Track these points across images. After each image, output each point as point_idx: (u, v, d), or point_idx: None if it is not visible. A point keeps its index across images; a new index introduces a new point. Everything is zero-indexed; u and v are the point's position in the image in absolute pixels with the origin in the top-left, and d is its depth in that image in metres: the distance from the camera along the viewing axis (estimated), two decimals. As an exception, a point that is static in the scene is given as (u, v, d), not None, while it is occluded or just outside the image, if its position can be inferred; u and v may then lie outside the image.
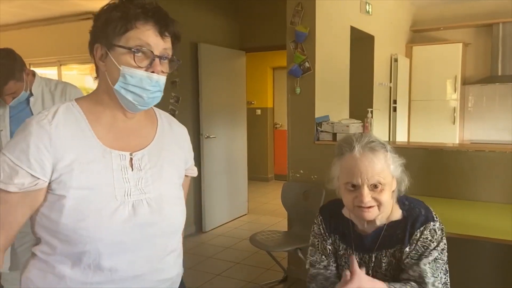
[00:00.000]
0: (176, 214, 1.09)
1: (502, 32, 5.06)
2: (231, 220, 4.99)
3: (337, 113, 3.53)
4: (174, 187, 1.11)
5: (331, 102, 3.55)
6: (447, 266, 1.29)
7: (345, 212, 1.37)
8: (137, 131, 1.07)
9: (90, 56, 1.04)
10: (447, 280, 1.30)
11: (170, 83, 4.23)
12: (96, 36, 0.98)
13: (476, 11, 5.26)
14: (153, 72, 0.97)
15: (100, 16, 0.98)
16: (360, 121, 3.29)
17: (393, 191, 1.29)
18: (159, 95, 1.02)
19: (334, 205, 1.41)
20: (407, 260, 1.27)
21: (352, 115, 3.76)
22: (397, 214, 1.31)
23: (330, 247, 1.39)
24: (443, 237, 1.29)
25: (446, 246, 1.29)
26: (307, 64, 3.24)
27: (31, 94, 2.03)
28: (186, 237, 4.32)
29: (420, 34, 5.61)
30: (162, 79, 1.00)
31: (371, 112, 3.37)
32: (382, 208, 1.25)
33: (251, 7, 5.07)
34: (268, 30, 4.89)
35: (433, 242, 1.26)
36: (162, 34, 0.98)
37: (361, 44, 4.24)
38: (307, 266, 1.46)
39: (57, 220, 0.94)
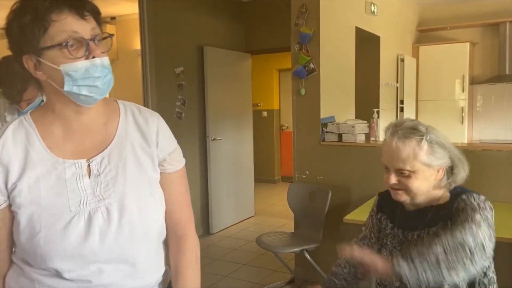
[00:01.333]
0: (145, 216, 0.99)
1: (509, 31, 5.02)
2: (238, 222, 5.00)
3: (342, 114, 3.53)
4: (142, 188, 1.00)
5: (337, 102, 3.55)
6: (491, 244, 1.16)
7: None
8: (94, 130, 1.00)
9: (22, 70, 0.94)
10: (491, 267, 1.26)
11: (177, 86, 4.26)
12: (19, 49, 0.90)
13: (482, 10, 5.22)
14: (94, 57, 0.90)
15: (11, 26, 0.89)
16: (366, 122, 3.28)
17: (441, 180, 1.28)
18: (111, 77, 0.94)
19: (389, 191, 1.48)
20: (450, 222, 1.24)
21: (358, 116, 3.75)
22: (446, 198, 1.32)
23: (375, 225, 1.46)
24: (490, 208, 1.22)
25: (493, 222, 1.20)
26: (311, 65, 3.24)
27: (43, 100, 2.04)
28: (194, 239, 4.33)
29: (427, 34, 5.58)
30: (105, 60, 0.92)
31: (377, 112, 3.36)
32: (412, 194, 1.28)
33: (256, 9, 5.09)
34: (273, 32, 4.90)
35: (475, 203, 1.22)
36: (82, 16, 0.89)
37: (367, 44, 4.23)
38: (355, 240, 1.55)
39: (16, 237, 0.95)
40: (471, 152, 2.80)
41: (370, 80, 4.34)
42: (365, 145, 3.12)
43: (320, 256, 3.11)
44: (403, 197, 1.29)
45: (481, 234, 1.12)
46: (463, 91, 5.22)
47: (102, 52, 0.92)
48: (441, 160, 1.27)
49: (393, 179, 1.28)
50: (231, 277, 3.48)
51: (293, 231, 3.36)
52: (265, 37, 5.10)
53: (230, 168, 4.89)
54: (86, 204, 0.94)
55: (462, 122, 5.23)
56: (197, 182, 4.47)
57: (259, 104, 7.16)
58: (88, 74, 0.90)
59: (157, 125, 1.06)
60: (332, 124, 3.25)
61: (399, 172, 1.26)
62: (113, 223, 0.95)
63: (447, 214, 1.26)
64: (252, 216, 5.25)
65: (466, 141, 5.15)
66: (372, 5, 4.08)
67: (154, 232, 1.03)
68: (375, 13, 4.16)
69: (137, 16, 3.97)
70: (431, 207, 1.31)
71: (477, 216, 1.17)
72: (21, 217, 0.92)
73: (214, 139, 4.61)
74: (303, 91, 3.29)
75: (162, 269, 1.09)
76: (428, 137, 1.26)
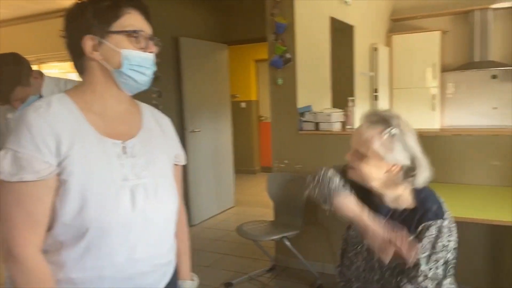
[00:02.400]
0: (171, 200, 1.13)
1: (479, 19, 5.17)
2: (219, 213, 5.02)
3: (319, 103, 3.58)
4: (166, 174, 1.14)
5: (313, 92, 3.60)
6: (450, 266, 1.31)
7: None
8: (126, 119, 1.11)
9: (69, 52, 1.06)
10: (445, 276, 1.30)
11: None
12: (86, 28, 1.01)
13: (453, -1, 5.36)
14: (151, 52, 1.06)
15: (85, 8, 1.02)
16: (342, 110, 3.34)
17: (387, 172, 1.31)
18: (153, 75, 1.09)
19: None
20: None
21: (335, 105, 3.81)
22: (408, 202, 1.35)
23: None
24: (451, 235, 1.30)
25: (453, 245, 1.30)
26: (288, 55, 3.27)
27: (40, 97, 1.99)
28: (174, 231, 4.34)
29: (399, 23, 5.68)
30: (154, 59, 1.09)
31: (353, 101, 3.43)
32: (361, 177, 1.34)
33: (232, 0, 5.07)
34: (250, 23, 4.89)
35: (439, 238, 1.28)
36: (147, 19, 1.08)
37: (342, 34, 4.28)
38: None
39: (60, 205, 0.95)
40: (442, 137, 2.91)
41: (345, 69, 4.41)
42: (341, 133, 3.18)
43: (300, 243, 3.18)
44: (355, 176, 1.36)
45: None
46: (434, 78, 5.36)
47: (154, 53, 1.08)
48: (395, 157, 1.29)
49: (349, 156, 1.36)
50: (213, 267, 3.52)
51: (273, 219, 3.41)
52: (241, 28, 5.09)
53: (210, 160, 4.90)
54: (127, 179, 1.02)
55: (434, 109, 5.38)
56: (181, 169, 4.45)
57: (237, 95, 7.16)
58: (143, 63, 1.04)
59: (171, 124, 1.25)
60: (309, 113, 3.30)
61: (356, 152, 1.34)
62: (151, 200, 1.05)
63: (408, 225, 1.29)
64: (233, 206, 5.28)
65: (438, 127, 5.31)
66: (346, -6, 4.13)
67: (175, 213, 1.17)
68: (349, 3, 4.21)
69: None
70: (394, 210, 1.35)
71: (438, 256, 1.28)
72: (72, 185, 0.95)
73: (193, 131, 4.60)
74: (280, 81, 3.32)
75: (175, 248, 1.21)
76: (392, 131, 1.28)
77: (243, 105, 7.31)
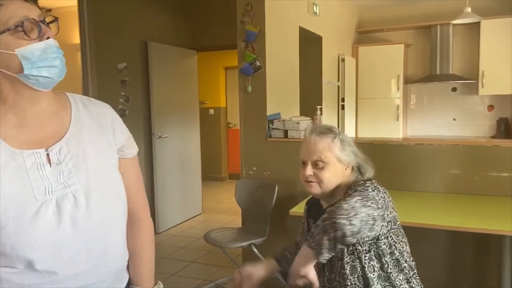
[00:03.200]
0: (110, 200, 1.02)
1: (439, 34, 5.41)
2: (186, 220, 4.96)
3: (288, 111, 3.62)
4: (103, 173, 1.02)
5: (282, 100, 3.64)
6: (370, 219, 1.20)
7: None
8: (50, 119, 0.99)
9: None
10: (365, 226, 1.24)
11: (120, 82, 4.14)
12: None
13: (415, 13, 5.59)
14: (48, 38, 0.92)
15: None
16: (310, 118, 3.39)
17: (347, 175, 1.45)
18: (64, 59, 0.96)
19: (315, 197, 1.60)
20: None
21: (303, 113, 3.86)
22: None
23: (305, 230, 1.60)
24: (369, 189, 1.32)
25: (376, 198, 1.27)
26: (257, 63, 3.30)
27: None
28: (139, 239, 4.24)
29: (365, 35, 5.86)
30: (56, 42, 0.94)
31: (320, 109, 3.49)
32: (323, 186, 1.42)
33: (202, 6, 5.06)
34: (219, 30, 4.90)
35: (361, 190, 1.31)
36: (28, 1, 0.92)
37: (310, 44, 4.37)
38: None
39: None
40: (405, 147, 3.01)
41: (313, 78, 4.49)
42: (309, 141, 3.22)
43: (268, 250, 3.17)
44: (315, 189, 1.43)
45: (352, 202, 1.20)
46: (398, 90, 5.55)
47: (54, 35, 0.94)
48: (349, 158, 1.44)
49: (309, 170, 1.42)
50: (178, 275, 3.46)
51: (240, 226, 3.40)
52: (211, 34, 5.09)
53: (177, 166, 4.84)
54: (51, 192, 0.93)
55: (398, 119, 5.56)
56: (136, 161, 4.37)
57: (205, 102, 7.13)
58: (46, 55, 0.91)
59: (110, 114, 1.10)
60: (278, 121, 3.33)
61: (315, 164, 1.41)
62: (81, 208, 0.95)
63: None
64: (200, 214, 5.23)
65: (401, 137, 5.49)
66: (315, 5, 4.22)
67: (121, 215, 1.06)
68: (317, 14, 4.31)
69: (75, 9, 3.80)
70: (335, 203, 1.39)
71: (354, 193, 1.29)
72: None
73: (160, 136, 4.54)
74: (249, 88, 3.34)
75: (127, 253, 1.11)
76: (340, 137, 1.45)
77: (211, 111, 7.28)
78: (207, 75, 6.96)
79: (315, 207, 1.56)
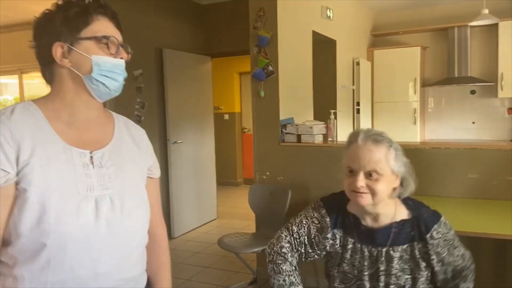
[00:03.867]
0: (139, 211, 1.10)
1: (457, 36, 5.31)
2: (201, 225, 4.97)
3: (301, 115, 3.60)
4: (136, 185, 1.11)
5: (295, 104, 3.62)
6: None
7: (350, 207, 1.43)
8: (96, 127, 1.08)
9: (38, 61, 1.05)
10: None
11: (135, 89, 4.20)
12: (55, 35, 1.00)
13: (432, 16, 5.50)
14: (121, 58, 1.06)
15: (54, 15, 1.01)
16: (324, 123, 3.37)
17: (394, 188, 1.35)
18: (124, 80, 1.09)
19: (338, 199, 1.46)
20: (433, 257, 1.36)
21: (316, 117, 3.84)
22: (404, 213, 1.38)
23: (328, 242, 1.42)
24: (451, 226, 1.42)
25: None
26: (270, 68, 3.30)
27: None
28: (155, 244, 4.26)
29: (380, 38, 5.80)
30: (124, 65, 1.09)
31: (334, 113, 3.46)
32: (376, 198, 1.31)
33: (215, 12, 5.11)
34: (233, 35, 4.92)
35: (450, 232, 1.39)
36: (117, 26, 1.09)
37: (324, 48, 4.35)
38: (281, 232, 1.50)
39: (18, 215, 0.93)
40: (422, 150, 2.96)
41: (327, 82, 4.46)
42: (323, 145, 3.20)
43: (281, 255, 3.16)
44: (367, 201, 1.31)
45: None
46: (415, 93, 5.46)
47: (125, 59, 1.08)
48: (401, 168, 1.34)
49: (362, 181, 1.29)
50: (194, 280, 3.46)
51: (254, 231, 3.39)
52: (225, 40, 5.12)
53: (192, 172, 4.87)
54: (92, 190, 0.99)
55: (415, 123, 5.47)
56: (158, 182, 4.41)
57: (220, 107, 7.16)
58: (114, 69, 1.04)
59: (145, 137, 1.22)
60: (291, 126, 3.32)
61: (368, 175, 1.29)
62: (116, 211, 1.02)
63: (413, 233, 1.35)
64: (215, 219, 5.24)
65: (418, 141, 5.39)
66: (328, 9, 4.20)
67: (146, 225, 1.13)
68: (331, 18, 4.29)
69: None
70: (392, 223, 1.36)
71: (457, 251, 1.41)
72: (30, 194, 0.92)
73: (175, 142, 4.58)
74: (262, 93, 3.34)
75: (145, 263, 1.16)
76: (394, 145, 1.34)
77: (226, 117, 7.31)
78: (221, 81, 7.00)
79: (338, 212, 1.43)
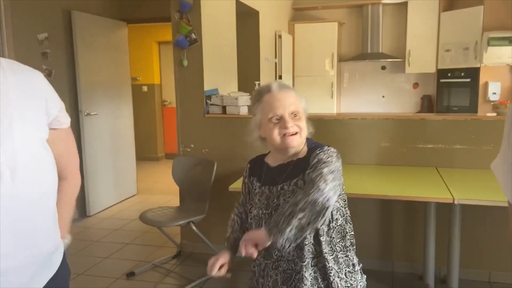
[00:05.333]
0: (38, 177, 0.94)
1: (371, 13, 5.59)
2: (119, 202, 4.74)
3: (226, 87, 3.54)
4: (32, 146, 0.94)
5: (220, 75, 3.54)
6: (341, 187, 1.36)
7: (268, 159, 1.52)
8: None
9: None
10: (342, 204, 1.41)
11: (41, 55, 3.78)
12: None
13: (349, -7, 5.70)
14: None
15: None
16: (248, 94, 3.35)
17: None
18: None
19: (258, 156, 1.57)
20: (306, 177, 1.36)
21: (241, 89, 3.81)
22: (304, 152, 1.43)
23: (247, 188, 1.54)
24: (337, 159, 1.36)
25: (340, 169, 1.35)
26: (193, 36, 3.16)
27: None
28: (69, 223, 3.99)
29: (301, 12, 5.89)
30: None
31: (259, 85, 3.45)
32: (303, 134, 1.41)
33: (132, -25, 4.74)
34: (152, 1, 4.64)
35: (325, 156, 1.34)
36: None
37: (247, 18, 4.29)
38: (236, 205, 1.60)
39: None
40: (340, 121, 3.08)
41: (251, 54, 4.43)
42: (248, 117, 3.18)
43: (207, 227, 3.14)
44: (297, 141, 1.40)
45: (328, 187, 1.25)
46: (332, 67, 5.68)
47: None
48: (306, 110, 1.45)
49: (291, 121, 1.37)
50: (113, 258, 3.31)
51: (178, 205, 3.31)
52: (142, 5, 4.80)
53: (108, 146, 4.58)
54: None
55: (332, 96, 5.72)
56: (69, 132, 4.08)
57: (138, 78, 6.79)
58: None
59: (42, 81, 1.00)
60: (216, 97, 3.25)
61: (293, 115, 1.39)
62: (6, 184, 0.86)
63: (305, 166, 1.37)
64: (135, 195, 5.03)
65: (335, 113, 5.65)
66: (251, -22, 4.13)
67: (50, 193, 1.00)
68: (254, -13, 4.22)
69: (-15, -31, 3.37)
70: (291, 161, 1.42)
71: (325, 170, 1.30)
72: None
73: (89, 114, 4.25)
74: (185, 62, 3.20)
75: (58, 235, 1.06)
76: (297, 92, 1.47)
77: (145, 88, 6.97)
78: (139, 50, 6.62)
79: (257, 164, 1.52)
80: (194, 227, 2.91)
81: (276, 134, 1.39)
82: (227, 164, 3.13)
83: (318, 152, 1.36)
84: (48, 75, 3.83)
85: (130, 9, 4.85)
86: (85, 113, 4.20)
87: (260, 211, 1.42)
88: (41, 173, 0.95)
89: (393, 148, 2.94)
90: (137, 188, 5.11)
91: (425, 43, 5.27)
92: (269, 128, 1.40)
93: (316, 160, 1.34)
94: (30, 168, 0.91)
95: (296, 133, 1.39)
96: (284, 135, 1.38)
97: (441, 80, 5.10)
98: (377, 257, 3.01)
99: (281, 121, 1.38)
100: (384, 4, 5.53)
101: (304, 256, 1.34)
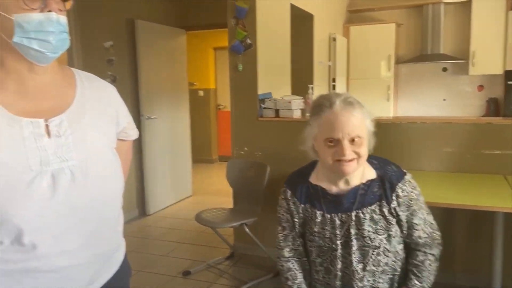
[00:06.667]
0: (107, 181, 1.00)
1: (431, 13, 5.36)
2: (176, 202, 4.92)
3: (279, 90, 3.56)
4: (102, 153, 1.00)
5: (273, 79, 3.57)
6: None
7: (313, 179, 1.40)
8: (52, 92, 0.96)
9: None
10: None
11: (106, 62, 4.03)
12: None
13: (407, -7, 5.52)
14: (49, 11, 0.86)
15: None
16: (302, 97, 3.34)
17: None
18: (66, 36, 0.91)
19: (299, 176, 1.44)
20: (400, 214, 1.35)
21: (294, 92, 3.81)
22: (371, 173, 1.36)
23: (300, 220, 1.41)
24: (417, 185, 1.41)
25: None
26: (248, 41, 3.22)
27: None
28: (129, 221, 4.20)
29: (357, 14, 5.79)
30: (62, 18, 0.89)
31: (312, 88, 3.44)
32: (360, 161, 1.28)
33: (190, -17, 4.92)
34: (209, 8, 4.79)
35: (414, 191, 1.38)
36: None
37: (302, 22, 4.29)
38: (278, 249, 1.48)
39: None
40: (398, 125, 2.99)
41: (304, 57, 4.43)
42: (301, 120, 3.18)
43: (259, 230, 3.16)
44: (353, 167, 1.27)
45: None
46: (389, 70, 5.52)
47: (60, 10, 0.89)
48: (371, 126, 1.33)
49: (349, 149, 1.24)
50: (170, 256, 3.44)
51: (232, 207, 3.37)
52: (200, 12, 4.97)
53: (166, 148, 4.77)
54: (48, 164, 0.89)
55: (388, 99, 5.55)
56: (131, 162, 4.30)
57: (195, 83, 7.01)
58: (41, 28, 0.86)
59: (115, 94, 1.09)
60: (269, 100, 3.28)
61: (352, 141, 1.25)
62: (78, 185, 0.92)
63: (380, 191, 1.33)
64: (190, 196, 5.19)
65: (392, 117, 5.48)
66: (306, -18, 4.13)
67: (117, 198, 1.04)
68: (309, -9, 4.22)
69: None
70: (359, 185, 1.33)
71: (427, 217, 1.43)
72: None
73: (149, 118, 4.45)
74: (240, 67, 3.27)
75: (121, 238, 1.10)
76: (363, 106, 1.31)
77: (201, 93, 7.18)
78: (196, 56, 6.83)
79: (303, 189, 1.39)
80: (247, 229, 2.95)
81: (328, 157, 1.27)
82: (280, 167, 3.14)
83: (402, 187, 1.34)
84: (113, 81, 4.07)
85: (189, 17, 5.03)
86: (146, 117, 4.41)
87: (330, 242, 1.34)
88: (110, 177, 1.01)
89: (456, 154, 2.79)
90: (192, 189, 5.27)
91: (491, 43, 4.96)
92: (323, 148, 1.28)
93: (407, 199, 1.35)
94: (100, 172, 0.97)
95: (353, 159, 1.26)
96: (339, 160, 1.26)
97: (509, 82, 4.77)
98: (439, 268, 2.87)
99: (338, 145, 1.25)
100: (446, 4, 5.29)
101: None
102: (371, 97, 5.52)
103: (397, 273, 1.40)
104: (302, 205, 1.39)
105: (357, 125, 1.25)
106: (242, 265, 3.24)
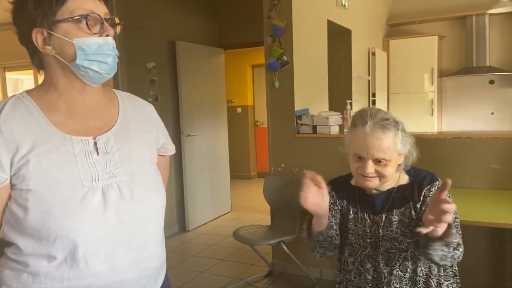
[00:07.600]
0: (152, 196, 1.03)
1: (475, 24, 5.17)
2: (215, 218, 4.96)
3: (316, 106, 3.54)
4: (146, 168, 1.04)
5: (310, 95, 3.56)
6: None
7: (353, 181, 1.48)
8: (98, 112, 1.02)
9: (24, 46, 0.97)
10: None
11: (149, 82, 4.18)
12: (31, 20, 0.91)
13: (450, 4, 5.36)
14: (107, 36, 0.95)
15: (26, 1, 0.92)
16: (340, 113, 3.30)
17: (399, 165, 1.36)
18: (117, 59, 0.98)
19: (342, 177, 1.53)
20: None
21: (332, 108, 3.78)
22: (405, 179, 1.40)
23: (338, 215, 1.47)
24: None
25: None
26: (285, 58, 3.24)
27: None
28: (170, 236, 4.27)
29: (396, 28, 5.68)
30: (114, 42, 0.97)
31: (350, 104, 3.39)
32: (383, 180, 1.34)
33: (229, 4, 5.05)
34: (246, 27, 4.88)
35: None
36: None
37: (339, 37, 4.27)
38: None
39: (23, 216, 0.89)
40: (442, 140, 2.88)
41: (342, 72, 4.38)
42: (339, 136, 3.14)
43: (297, 248, 3.11)
44: (375, 184, 1.33)
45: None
46: (432, 83, 5.35)
47: (113, 35, 0.97)
48: (407, 148, 1.34)
49: (371, 168, 1.30)
50: (209, 273, 3.45)
51: (270, 224, 3.35)
52: (237, 32, 5.07)
53: (206, 165, 4.85)
54: (98, 180, 0.94)
55: (432, 114, 5.36)
56: (172, 178, 4.40)
57: (233, 100, 7.13)
58: (101, 51, 0.93)
59: (154, 113, 1.15)
60: (306, 116, 3.26)
61: (377, 161, 1.30)
62: (126, 200, 0.96)
63: (411, 195, 1.35)
64: (229, 212, 5.22)
65: (436, 132, 5.28)
66: (343, -2, 4.12)
67: (161, 212, 1.07)
68: (346, 7, 4.20)
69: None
70: (392, 188, 1.38)
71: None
72: (30, 193, 0.89)
73: (189, 135, 4.56)
74: (277, 84, 3.29)
75: (164, 251, 1.12)
76: (400, 127, 1.32)
77: (239, 110, 7.27)
78: (234, 74, 6.95)
79: (343, 187, 1.47)
80: (285, 247, 2.92)
81: (354, 169, 1.35)
82: (318, 184, 3.10)
83: (431, 188, 1.33)
84: (155, 100, 4.22)
85: (227, 36, 5.15)
86: (186, 134, 4.52)
87: (361, 240, 1.40)
88: (154, 192, 1.04)
89: (505, 171, 2.64)
90: (231, 206, 5.30)
91: (542, 53, 4.70)
92: (352, 160, 1.36)
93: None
94: (145, 188, 1.01)
95: (374, 177, 1.32)
96: (362, 175, 1.33)
97: None
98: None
99: (362, 161, 1.31)
100: (491, 15, 5.09)
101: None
102: (414, 111, 5.36)
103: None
104: (339, 200, 1.47)
105: (384, 149, 1.29)
106: (281, 284, 3.19)
